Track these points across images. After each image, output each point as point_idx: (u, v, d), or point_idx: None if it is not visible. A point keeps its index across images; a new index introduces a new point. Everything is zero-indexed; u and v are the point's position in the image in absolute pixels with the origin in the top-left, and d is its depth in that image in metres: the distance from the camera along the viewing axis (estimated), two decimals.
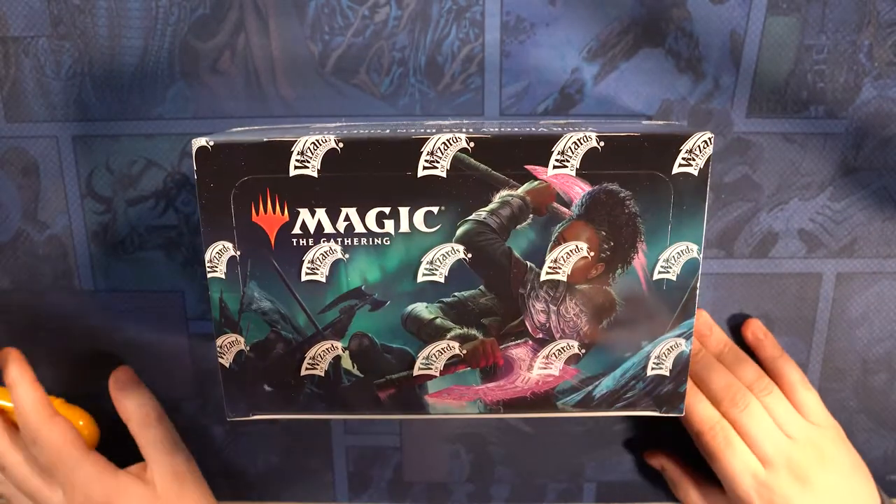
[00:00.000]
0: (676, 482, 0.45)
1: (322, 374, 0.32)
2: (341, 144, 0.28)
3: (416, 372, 0.31)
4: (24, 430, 0.39)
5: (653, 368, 0.31)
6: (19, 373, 0.40)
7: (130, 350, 0.45)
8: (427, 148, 0.28)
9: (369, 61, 0.39)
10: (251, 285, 0.30)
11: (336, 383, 0.32)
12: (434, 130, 0.29)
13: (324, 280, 0.30)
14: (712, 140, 0.28)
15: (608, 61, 0.39)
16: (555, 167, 0.29)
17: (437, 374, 0.31)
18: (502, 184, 0.29)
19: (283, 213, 0.29)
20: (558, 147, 0.28)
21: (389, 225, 0.29)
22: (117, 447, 0.42)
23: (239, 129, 0.35)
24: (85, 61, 0.39)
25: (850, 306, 0.43)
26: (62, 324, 0.44)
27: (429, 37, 0.39)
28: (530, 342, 0.31)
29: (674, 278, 0.30)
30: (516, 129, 0.30)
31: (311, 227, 0.29)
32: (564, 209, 0.29)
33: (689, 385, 0.41)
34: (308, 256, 0.30)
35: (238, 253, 0.30)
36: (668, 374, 0.31)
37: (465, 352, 0.31)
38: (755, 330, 0.43)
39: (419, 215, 0.29)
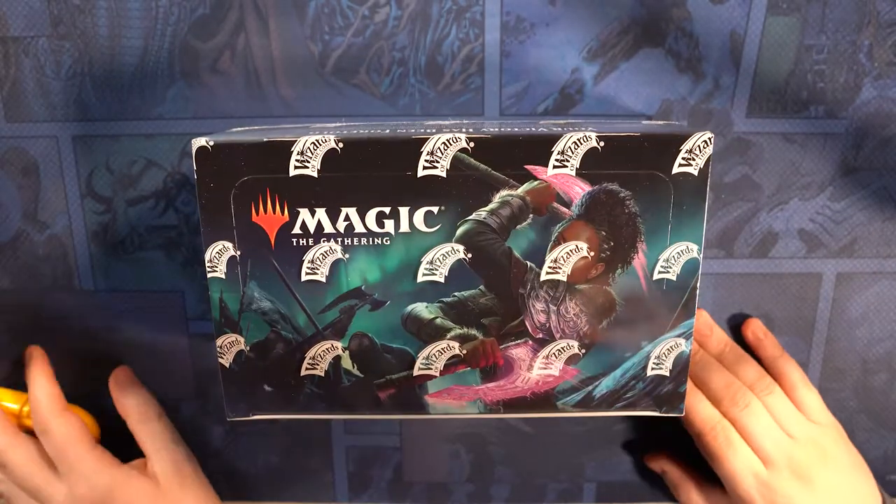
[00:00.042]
0: (677, 484, 0.45)
1: (322, 374, 0.32)
2: (341, 144, 0.28)
3: (416, 372, 0.31)
4: (36, 420, 0.40)
5: (653, 368, 0.31)
6: (39, 369, 0.42)
7: (130, 350, 0.45)
8: (427, 148, 0.28)
9: (369, 61, 0.39)
10: (251, 285, 0.30)
11: (336, 383, 0.32)
12: (434, 130, 0.29)
13: (324, 280, 0.30)
14: (712, 140, 0.28)
15: (608, 61, 0.39)
16: (555, 167, 0.29)
17: (437, 374, 0.31)
18: (502, 184, 0.29)
19: (283, 213, 0.29)
20: (558, 147, 0.28)
21: (389, 225, 0.29)
22: (115, 448, 0.42)
23: (239, 129, 0.35)
24: (85, 61, 0.39)
25: (850, 306, 0.43)
26: (62, 324, 0.44)
27: (429, 37, 0.39)
28: (530, 342, 0.31)
29: (674, 278, 0.30)
30: (516, 129, 0.30)
31: (311, 227, 0.29)
32: (564, 209, 0.29)
33: (689, 385, 0.41)
34: (308, 256, 0.30)
35: (238, 253, 0.30)
36: (668, 374, 0.31)
37: (465, 352, 0.31)
38: (755, 329, 0.43)
39: (419, 215, 0.29)
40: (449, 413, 0.32)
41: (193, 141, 0.28)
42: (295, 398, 0.32)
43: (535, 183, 0.29)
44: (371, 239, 0.29)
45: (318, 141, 0.28)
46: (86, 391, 0.44)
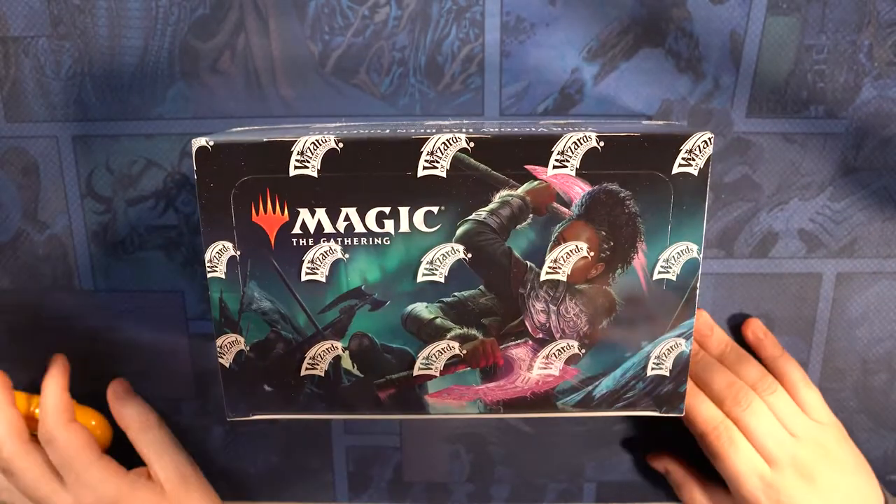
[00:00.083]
0: (681, 484, 0.45)
1: (322, 374, 0.32)
2: (341, 144, 0.28)
3: (416, 372, 0.31)
4: (42, 429, 0.40)
5: (653, 368, 0.31)
6: (53, 378, 0.42)
7: (130, 350, 0.45)
8: (427, 148, 0.28)
9: (369, 61, 0.39)
10: (251, 285, 0.30)
11: (336, 383, 0.32)
12: (434, 130, 0.29)
13: (324, 280, 0.30)
14: (712, 140, 0.28)
15: (608, 61, 0.39)
16: (555, 167, 0.29)
17: (437, 374, 0.31)
18: (502, 184, 0.29)
19: (283, 212, 0.29)
20: (558, 147, 0.28)
21: (389, 225, 0.29)
22: (114, 457, 0.42)
23: (239, 129, 0.35)
24: (85, 61, 0.39)
25: (850, 306, 0.43)
26: (62, 324, 0.44)
27: (429, 37, 0.39)
28: (530, 342, 0.31)
29: (674, 278, 0.30)
30: (516, 129, 0.30)
31: (311, 227, 0.29)
32: (564, 209, 0.29)
33: (691, 386, 0.41)
34: (308, 256, 0.30)
35: (238, 253, 0.30)
36: (668, 374, 0.31)
37: (465, 352, 0.31)
38: (755, 329, 0.43)
39: (419, 215, 0.29)
40: (449, 413, 0.32)
41: (193, 141, 0.28)
42: (295, 398, 0.32)
43: (535, 183, 0.29)
44: (371, 239, 0.29)
45: (318, 141, 0.28)
46: (85, 391, 0.44)
